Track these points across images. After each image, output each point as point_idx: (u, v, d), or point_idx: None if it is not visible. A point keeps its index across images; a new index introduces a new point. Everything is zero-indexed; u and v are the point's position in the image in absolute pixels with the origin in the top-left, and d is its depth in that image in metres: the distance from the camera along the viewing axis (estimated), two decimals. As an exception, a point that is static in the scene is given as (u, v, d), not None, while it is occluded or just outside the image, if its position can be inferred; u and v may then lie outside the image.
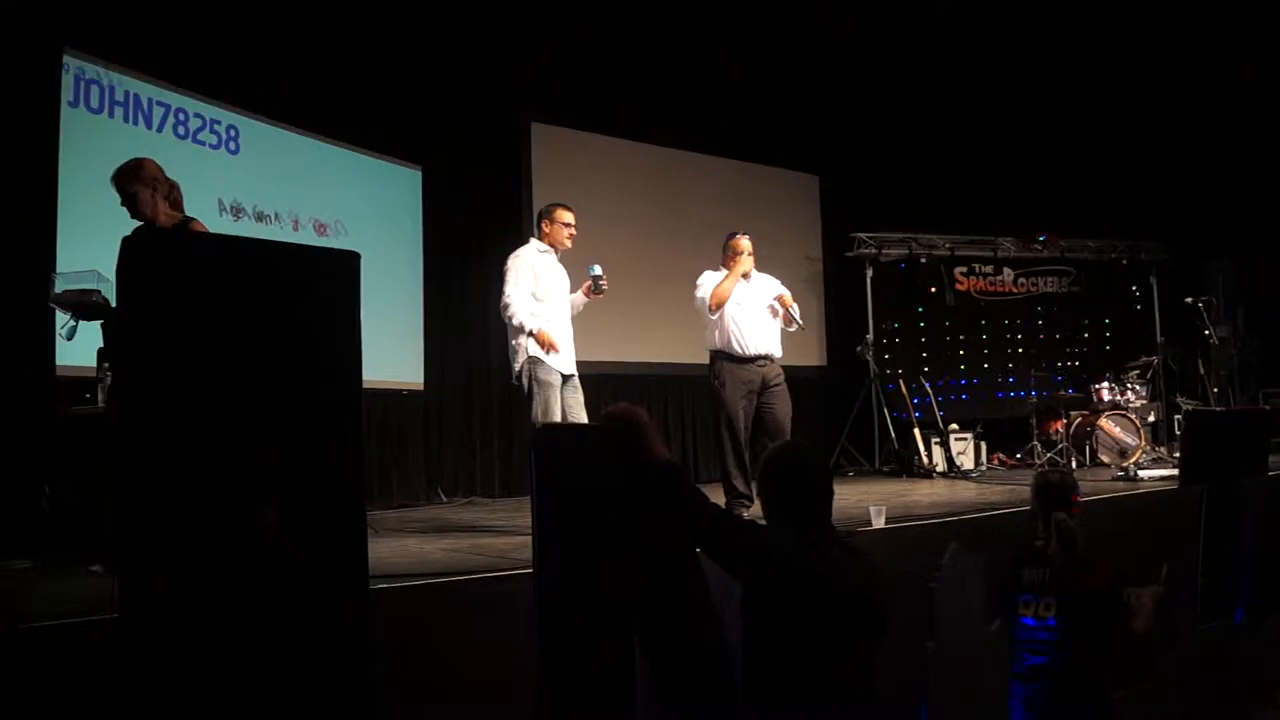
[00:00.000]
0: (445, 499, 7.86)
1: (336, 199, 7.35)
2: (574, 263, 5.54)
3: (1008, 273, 11.34)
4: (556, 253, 5.39)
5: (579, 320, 5.51)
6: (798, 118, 10.40)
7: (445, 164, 8.18)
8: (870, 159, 11.05)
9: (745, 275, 5.68)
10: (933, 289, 11.02)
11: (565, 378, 5.22)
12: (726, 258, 5.72)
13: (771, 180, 10.58)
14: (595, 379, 7.45)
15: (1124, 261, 11.44)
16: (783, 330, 5.76)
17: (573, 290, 5.47)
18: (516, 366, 5.19)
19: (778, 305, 5.67)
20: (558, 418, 5.09)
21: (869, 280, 10.61)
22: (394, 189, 7.90)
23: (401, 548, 4.63)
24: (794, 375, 6.01)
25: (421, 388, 7.94)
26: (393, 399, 7.67)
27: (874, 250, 10.66)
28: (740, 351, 5.57)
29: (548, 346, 5.13)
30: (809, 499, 2.62)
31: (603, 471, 2.42)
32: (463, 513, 6.88)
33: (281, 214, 6.93)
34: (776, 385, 5.60)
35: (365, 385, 2.56)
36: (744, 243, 5.69)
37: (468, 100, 8.27)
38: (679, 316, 9.31)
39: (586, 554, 2.34)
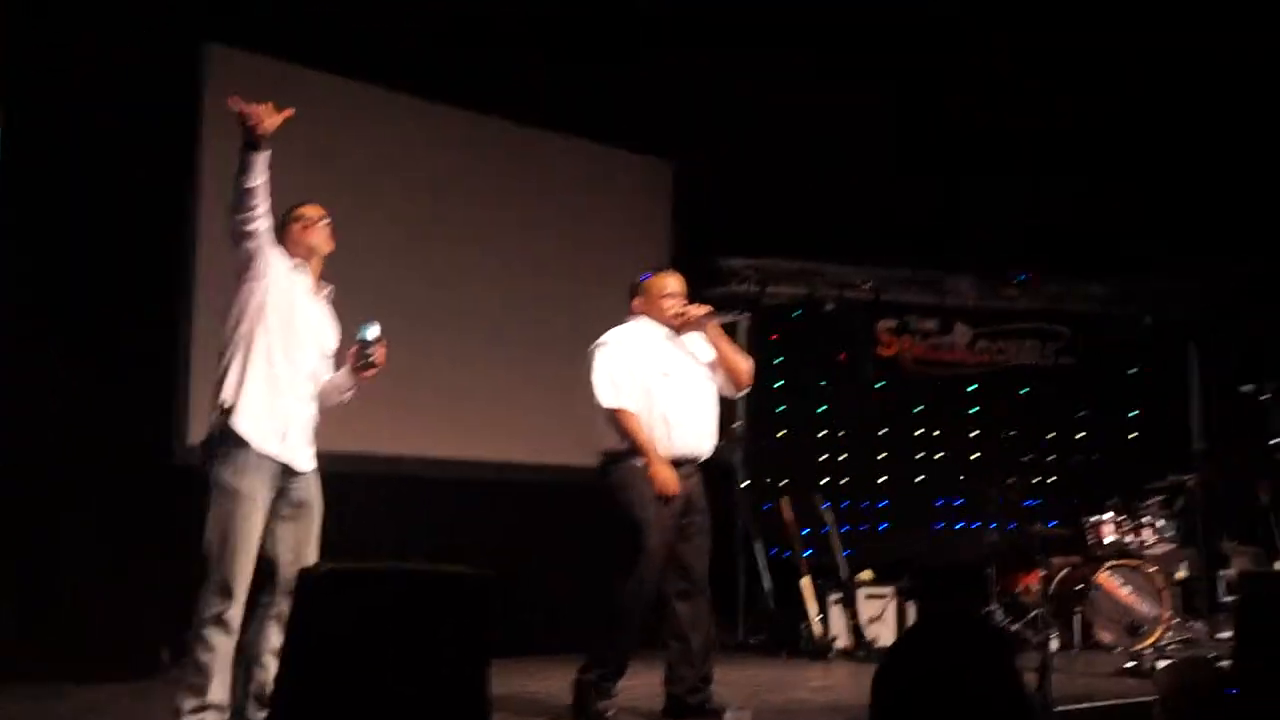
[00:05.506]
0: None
1: None
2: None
3: (962, 331, 11.71)
4: (310, 275, 5.44)
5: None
6: (640, 67, 10.19)
7: (47, 104, 7.89)
8: (751, 139, 10.68)
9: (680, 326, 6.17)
10: (842, 354, 11.25)
11: (289, 481, 5.17)
12: (642, 305, 6.19)
13: (595, 163, 10.54)
14: (353, 482, 7.26)
15: (1147, 320, 11.72)
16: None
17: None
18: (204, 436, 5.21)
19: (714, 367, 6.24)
20: (246, 557, 4.98)
21: (743, 333, 10.59)
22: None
23: None
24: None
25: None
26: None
27: (754, 286, 10.78)
28: (671, 448, 5.92)
29: None
30: None
31: None
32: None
33: None
34: (702, 510, 6.04)
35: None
36: (673, 282, 6.22)
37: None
38: (478, 381, 9.18)
39: None
